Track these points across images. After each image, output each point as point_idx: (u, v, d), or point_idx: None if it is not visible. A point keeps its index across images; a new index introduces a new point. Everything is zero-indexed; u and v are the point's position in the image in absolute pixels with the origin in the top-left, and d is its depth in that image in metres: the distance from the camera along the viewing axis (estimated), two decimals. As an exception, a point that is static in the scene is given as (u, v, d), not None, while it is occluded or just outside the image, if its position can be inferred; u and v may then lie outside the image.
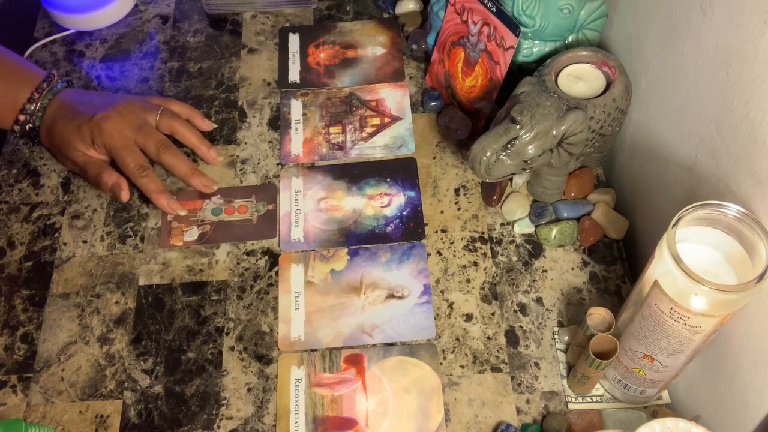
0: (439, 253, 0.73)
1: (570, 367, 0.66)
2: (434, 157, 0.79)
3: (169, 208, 0.75)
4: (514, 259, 0.73)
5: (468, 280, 0.72)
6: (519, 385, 0.66)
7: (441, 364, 0.67)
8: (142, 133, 0.75)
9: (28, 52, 0.89)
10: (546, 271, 0.72)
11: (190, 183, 0.76)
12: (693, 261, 0.50)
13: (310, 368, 0.67)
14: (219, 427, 0.65)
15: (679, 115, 0.63)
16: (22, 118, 0.75)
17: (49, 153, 0.79)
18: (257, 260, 0.73)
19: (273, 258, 0.73)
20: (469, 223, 0.75)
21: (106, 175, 0.74)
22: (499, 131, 0.65)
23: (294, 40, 0.89)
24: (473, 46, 0.76)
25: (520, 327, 0.69)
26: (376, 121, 0.82)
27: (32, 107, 0.75)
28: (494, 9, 0.71)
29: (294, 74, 0.86)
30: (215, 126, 0.82)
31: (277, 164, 0.79)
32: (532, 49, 0.75)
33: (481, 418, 0.65)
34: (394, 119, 0.82)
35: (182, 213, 0.76)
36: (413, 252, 0.73)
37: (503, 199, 0.76)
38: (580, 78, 0.68)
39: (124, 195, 0.75)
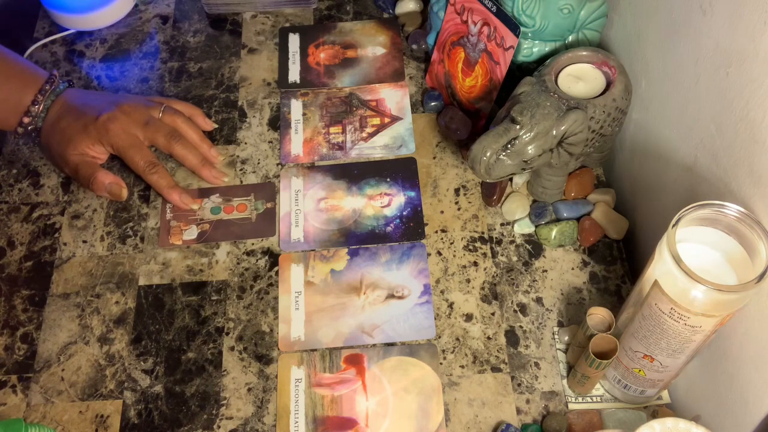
0: (439, 253, 0.73)
1: (570, 367, 0.66)
2: (434, 157, 0.79)
3: (182, 203, 0.75)
4: (514, 259, 0.73)
5: (468, 280, 0.72)
6: (519, 385, 0.66)
7: (441, 364, 0.67)
8: (149, 128, 0.75)
9: (28, 52, 0.89)
10: (546, 271, 0.72)
11: (200, 174, 0.77)
12: (693, 261, 0.50)
13: (310, 368, 0.67)
14: (219, 427, 0.65)
15: (679, 115, 0.63)
16: (26, 120, 0.76)
17: (45, 153, 0.79)
18: (257, 260, 0.73)
19: (273, 258, 0.73)
20: (469, 223, 0.75)
21: (101, 174, 0.75)
22: (499, 131, 0.65)
23: (294, 40, 0.89)
24: (473, 46, 0.76)
25: (520, 327, 0.69)
26: (376, 121, 0.82)
27: (36, 109, 0.75)
28: (494, 9, 0.71)
29: (294, 74, 0.86)
30: (216, 126, 0.82)
31: (277, 164, 0.79)
32: (532, 49, 0.75)
33: (481, 418, 0.65)
34: (394, 119, 0.82)
35: (195, 207, 0.76)
36: (413, 252, 0.73)
37: (503, 199, 0.76)
38: (580, 78, 0.68)
39: (124, 192, 0.75)
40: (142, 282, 0.72)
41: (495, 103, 0.77)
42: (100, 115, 0.75)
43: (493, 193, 0.75)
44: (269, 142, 0.81)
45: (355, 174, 0.79)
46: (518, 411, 0.65)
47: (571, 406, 0.65)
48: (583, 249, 0.73)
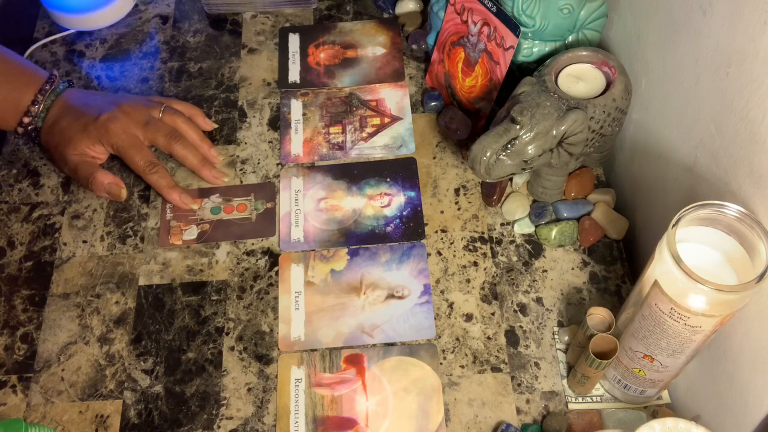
0: (439, 253, 0.73)
1: (570, 367, 0.66)
2: (434, 157, 0.79)
3: (182, 203, 0.75)
4: (514, 259, 0.73)
5: (468, 280, 0.72)
6: (519, 385, 0.66)
7: (441, 364, 0.67)
8: (149, 128, 0.75)
9: (28, 52, 0.89)
10: (546, 271, 0.72)
11: (201, 174, 0.77)
12: (693, 261, 0.50)
13: (310, 368, 0.67)
14: (219, 427, 0.65)
15: (679, 115, 0.63)
16: (26, 120, 0.76)
17: (45, 153, 0.79)
18: (257, 260, 0.73)
19: (273, 258, 0.73)
20: (469, 223, 0.75)
21: (101, 174, 0.75)
22: (499, 131, 0.65)
23: (294, 40, 0.89)
24: (473, 46, 0.76)
25: (520, 327, 0.69)
26: (376, 121, 0.82)
27: (36, 109, 0.75)
28: (494, 9, 0.71)
29: (294, 74, 0.86)
30: (216, 126, 0.82)
31: (277, 164, 0.79)
32: (532, 49, 0.75)
33: (481, 418, 0.65)
34: (394, 119, 0.82)
35: (195, 207, 0.76)
36: (413, 252, 0.73)
37: (503, 199, 0.76)
38: (580, 78, 0.68)
39: (124, 192, 0.75)
40: (142, 282, 0.72)
41: (495, 103, 0.77)
42: (100, 115, 0.75)
43: (493, 193, 0.75)
44: (269, 142, 0.81)
45: (355, 174, 0.79)
46: (518, 411, 0.65)
47: (571, 406, 0.65)
48: (583, 249, 0.73)
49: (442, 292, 0.71)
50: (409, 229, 0.75)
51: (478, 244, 0.74)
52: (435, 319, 0.70)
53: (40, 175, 0.79)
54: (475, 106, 0.79)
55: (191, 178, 0.78)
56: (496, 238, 0.74)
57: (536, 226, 0.74)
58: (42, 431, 0.58)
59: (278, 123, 0.83)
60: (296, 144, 0.81)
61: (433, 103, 0.82)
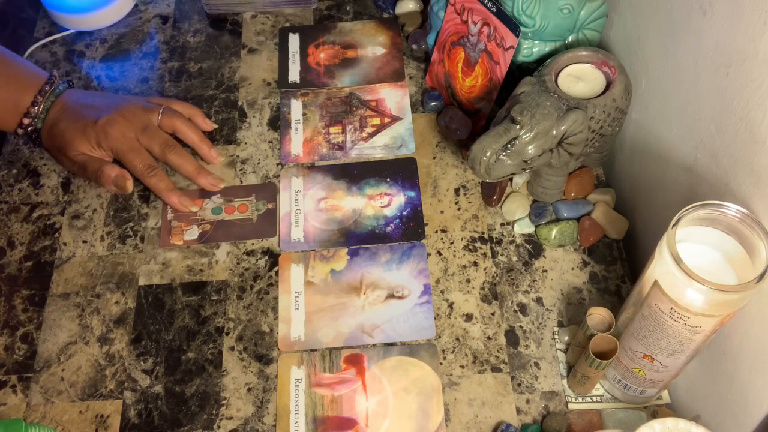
0: (439, 253, 0.73)
1: (570, 367, 0.66)
2: (434, 157, 0.79)
3: (181, 206, 0.75)
4: (514, 259, 0.73)
5: (468, 280, 0.72)
6: (519, 385, 0.66)
7: (441, 364, 0.67)
8: (146, 134, 0.75)
9: (28, 52, 0.89)
10: (546, 271, 0.72)
11: (197, 182, 0.77)
12: (693, 261, 0.50)
13: (310, 368, 0.67)
14: (219, 427, 0.65)
15: (679, 115, 0.63)
16: (26, 121, 0.76)
17: (48, 153, 0.80)
18: (257, 260, 0.73)
19: (273, 258, 0.73)
20: (469, 223, 0.75)
21: (108, 168, 0.75)
22: (499, 131, 0.65)
23: (294, 40, 0.89)
24: (473, 46, 0.76)
25: (520, 327, 0.69)
26: (376, 121, 0.82)
27: (36, 110, 0.75)
28: (494, 9, 0.71)
29: (294, 74, 0.86)
30: (216, 126, 0.82)
31: (277, 164, 0.79)
32: (532, 49, 0.75)
33: (481, 418, 0.65)
34: (394, 119, 0.82)
35: (194, 209, 0.76)
36: (413, 252, 0.73)
37: (503, 199, 0.76)
38: (580, 78, 0.68)
39: (129, 185, 0.75)
40: (142, 282, 0.72)
41: (495, 103, 0.77)
42: (98, 119, 0.75)
43: (493, 193, 0.75)
44: (269, 142, 0.81)
45: (355, 174, 0.79)
46: (518, 411, 0.65)
47: (571, 406, 0.65)
48: (583, 249, 0.73)
49: (442, 292, 0.71)
50: (409, 229, 0.75)
51: (478, 244, 0.74)
52: (435, 319, 0.70)
53: (40, 175, 0.79)
54: (475, 106, 0.79)
55: (191, 178, 0.79)
56: (496, 238, 0.74)
57: (536, 226, 0.74)
58: (42, 431, 0.58)
59: (278, 123, 0.83)
60: (296, 144, 0.81)
61: (433, 103, 0.82)
